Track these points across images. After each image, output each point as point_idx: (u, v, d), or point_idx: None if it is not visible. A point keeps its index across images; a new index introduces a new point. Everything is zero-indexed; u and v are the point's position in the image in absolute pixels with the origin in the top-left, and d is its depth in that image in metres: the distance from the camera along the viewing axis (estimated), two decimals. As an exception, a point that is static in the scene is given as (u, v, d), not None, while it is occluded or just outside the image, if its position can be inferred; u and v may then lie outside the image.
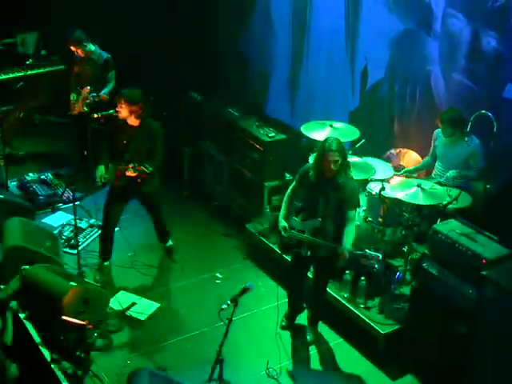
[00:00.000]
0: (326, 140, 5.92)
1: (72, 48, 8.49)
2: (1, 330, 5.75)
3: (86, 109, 8.23)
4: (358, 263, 6.02)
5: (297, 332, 6.59)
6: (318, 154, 5.92)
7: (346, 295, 6.56)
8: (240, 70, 9.70)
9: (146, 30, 10.04)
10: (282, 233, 6.12)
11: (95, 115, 7.18)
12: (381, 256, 5.74)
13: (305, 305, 6.67)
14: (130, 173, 6.55)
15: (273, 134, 7.87)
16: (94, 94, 8.31)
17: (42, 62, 9.92)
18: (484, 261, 5.45)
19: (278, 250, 6.63)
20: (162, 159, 6.78)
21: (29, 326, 5.92)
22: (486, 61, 6.68)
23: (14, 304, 6.00)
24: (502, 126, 6.08)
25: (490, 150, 6.21)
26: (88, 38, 8.44)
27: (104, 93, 8.39)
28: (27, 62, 9.69)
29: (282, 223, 6.12)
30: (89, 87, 8.39)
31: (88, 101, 8.28)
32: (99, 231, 7.55)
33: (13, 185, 8.59)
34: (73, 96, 8.67)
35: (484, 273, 5.35)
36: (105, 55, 8.53)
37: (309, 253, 6.07)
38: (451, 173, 6.71)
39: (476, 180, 6.74)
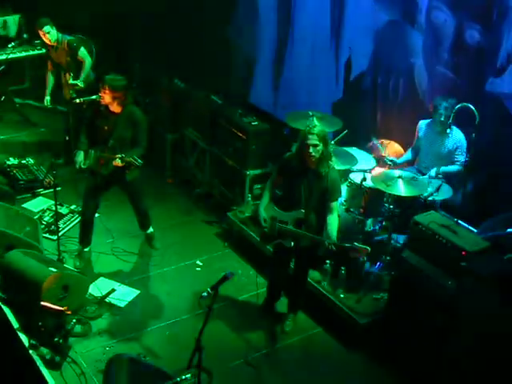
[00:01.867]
0: (307, 125, 5.94)
1: (40, 34, 8.42)
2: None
3: (73, 94, 8.21)
4: (346, 256, 5.99)
5: (276, 320, 6.60)
6: (298, 140, 5.93)
7: (325, 285, 6.58)
8: (224, 58, 9.67)
9: (132, 17, 10.00)
10: (262, 223, 6.12)
11: (77, 100, 7.16)
12: (369, 249, 5.74)
13: (283, 293, 6.68)
14: (117, 163, 6.52)
15: (256, 123, 7.86)
16: (74, 82, 8.27)
17: (24, 46, 9.85)
18: (463, 252, 5.49)
19: (258, 239, 6.63)
20: (146, 147, 6.76)
21: (7, 311, 5.91)
22: (469, 54, 6.71)
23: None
24: (484, 119, 6.12)
25: (472, 143, 6.25)
26: (53, 25, 8.37)
27: (81, 79, 8.32)
28: (9, 45, 9.60)
29: (262, 214, 6.11)
30: (67, 74, 8.36)
31: (72, 87, 8.25)
32: (79, 217, 7.51)
33: (-7, 169, 8.53)
34: (46, 100, 8.64)
35: (463, 264, 5.39)
36: (66, 39, 8.46)
37: (292, 244, 6.08)
38: (432, 172, 6.73)
39: (458, 173, 6.78)
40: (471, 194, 6.58)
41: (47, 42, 8.43)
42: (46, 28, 8.32)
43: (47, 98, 8.64)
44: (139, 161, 6.44)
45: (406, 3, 7.23)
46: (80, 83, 8.25)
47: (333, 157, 6.02)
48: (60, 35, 8.43)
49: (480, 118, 5.94)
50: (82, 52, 8.41)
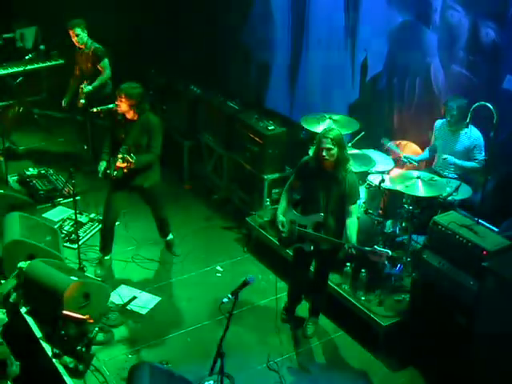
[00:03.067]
0: (323, 129, 5.95)
1: (70, 34, 8.47)
2: (5, 325, 5.75)
3: (83, 102, 8.27)
4: (366, 259, 5.96)
5: (297, 325, 6.59)
6: (315, 144, 5.93)
7: (346, 287, 6.56)
8: (240, 62, 9.69)
9: (147, 22, 10.04)
10: (280, 228, 6.11)
11: (94, 109, 7.21)
12: (390, 252, 5.71)
13: (304, 297, 6.67)
14: (119, 163, 6.55)
15: (272, 127, 7.86)
16: (88, 87, 8.32)
17: (40, 57, 9.93)
18: (484, 252, 5.45)
19: (278, 243, 6.62)
20: (159, 153, 6.77)
21: (30, 320, 5.95)
22: (485, 52, 6.67)
23: (13, 297, 6.01)
24: (502, 117, 6.07)
25: (490, 141, 6.20)
26: (84, 29, 8.42)
27: (94, 85, 8.37)
28: (26, 57, 9.68)
29: (280, 218, 6.10)
30: (85, 81, 8.42)
31: (83, 94, 8.30)
32: (100, 225, 7.55)
33: (13, 180, 8.59)
34: (64, 101, 8.70)
35: (484, 264, 5.35)
36: (94, 46, 8.50)
37: (312, 247, 6.07)
38: (451, 158, 6.71)
39: (477, 172, 6.74)
40: (490, 193, 6.52)
41: (75, 43, 8.48)
42: (77, 30, 8.38)
43: (65, 99, 8.70)
44: (134, 158, 6.47)
45: (420, 3, 7.20)
46: (90, 88, 8.29)
47: (350, 160, 6.00)
48: (90, 41, 8.49)
49: (498, 117, 5.89)
50: (105, 63, 8.46)
